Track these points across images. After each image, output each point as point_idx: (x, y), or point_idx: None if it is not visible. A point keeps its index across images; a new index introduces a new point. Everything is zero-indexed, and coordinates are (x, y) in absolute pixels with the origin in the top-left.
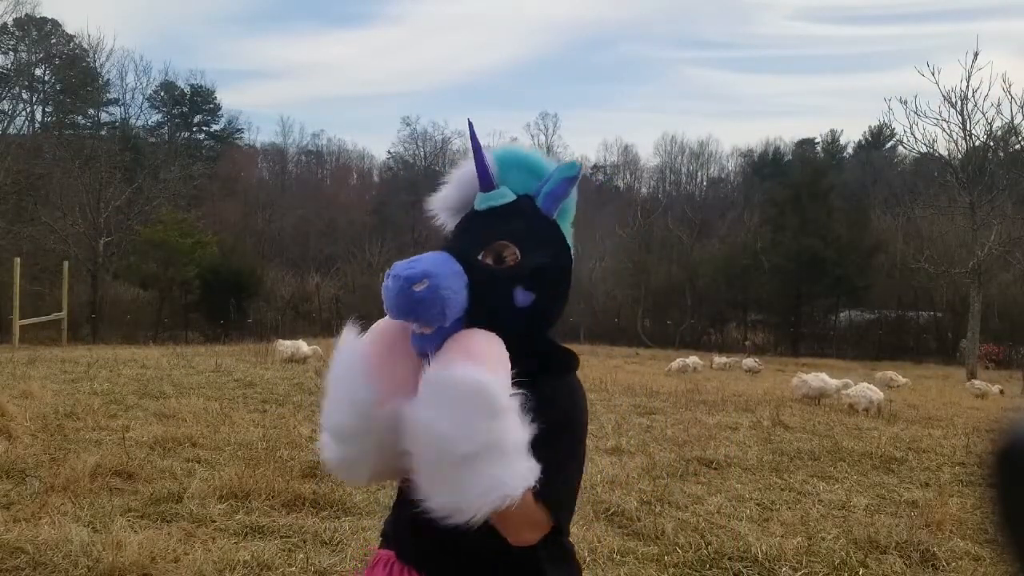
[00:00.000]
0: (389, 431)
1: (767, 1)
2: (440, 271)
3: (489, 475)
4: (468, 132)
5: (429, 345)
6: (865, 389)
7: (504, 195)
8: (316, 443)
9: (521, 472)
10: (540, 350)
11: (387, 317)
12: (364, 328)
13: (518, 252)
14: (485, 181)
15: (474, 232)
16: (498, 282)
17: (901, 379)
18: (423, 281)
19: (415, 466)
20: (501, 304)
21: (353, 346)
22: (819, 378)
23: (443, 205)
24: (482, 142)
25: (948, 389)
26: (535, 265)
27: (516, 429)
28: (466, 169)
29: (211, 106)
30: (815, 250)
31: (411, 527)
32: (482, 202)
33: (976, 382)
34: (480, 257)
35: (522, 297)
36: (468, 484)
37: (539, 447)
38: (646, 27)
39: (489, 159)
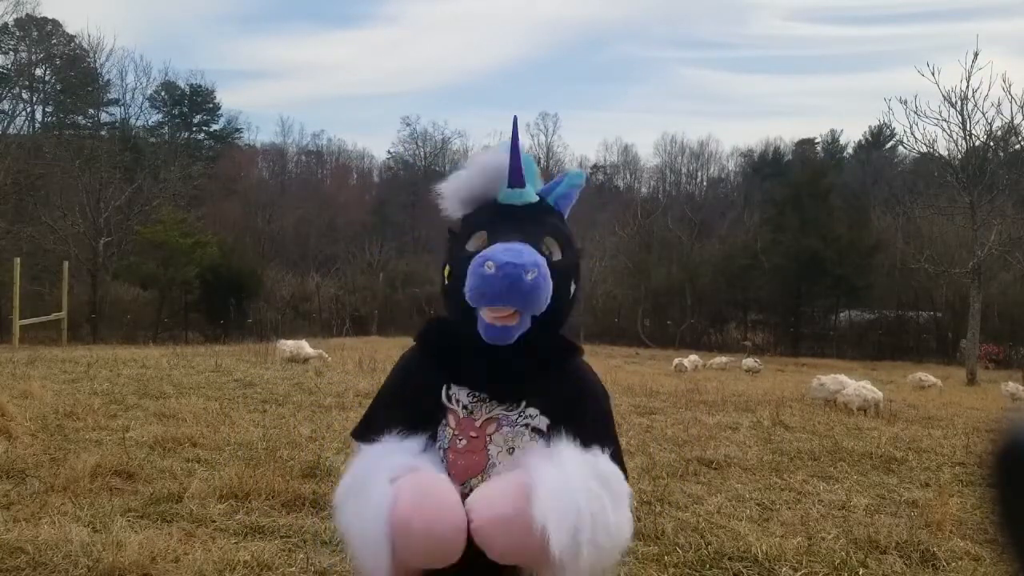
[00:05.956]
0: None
1: (762, 2)
2: (540, 261)
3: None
4: (512, 128)
5: (511, 335)
6: (862, 388)
7: (531, 195)
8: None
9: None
10: (563, 336)
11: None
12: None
13: (559, 248)
14: (518, 177)
15: (516, 225)
16: (564, 274)
17: (932, 379)
18: (533, 270)
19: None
20: (564, 295)
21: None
22: (837, 380)
23: (458, 193)
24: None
25: (949, 390)
26: (577, 260)
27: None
28: (488, 162)
29: (211, 106)
30: (815, 250)
31: None
32: (510, 197)
33: (1011, 384)
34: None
35: (572, 289)
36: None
37: (602, 425)
38: (645, 27)
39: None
